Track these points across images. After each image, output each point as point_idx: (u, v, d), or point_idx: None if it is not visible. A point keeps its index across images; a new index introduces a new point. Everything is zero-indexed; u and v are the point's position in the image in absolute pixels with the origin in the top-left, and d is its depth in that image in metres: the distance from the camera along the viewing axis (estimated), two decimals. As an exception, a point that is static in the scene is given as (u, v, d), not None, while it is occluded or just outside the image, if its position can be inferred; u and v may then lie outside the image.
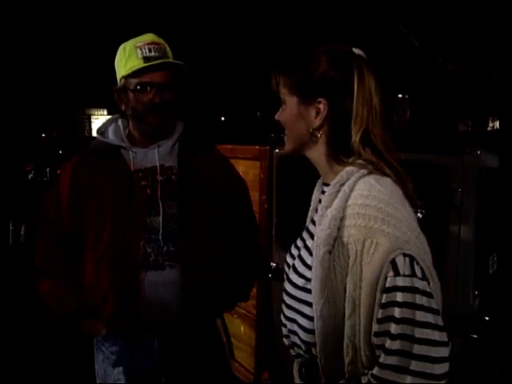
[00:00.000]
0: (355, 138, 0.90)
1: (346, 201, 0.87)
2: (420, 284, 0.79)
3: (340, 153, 0.93)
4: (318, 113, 0.93)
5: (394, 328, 0.78)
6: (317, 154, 0.97)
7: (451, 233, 1.74)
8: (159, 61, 1.38)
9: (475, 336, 1.64)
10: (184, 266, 1.41)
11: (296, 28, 13.62)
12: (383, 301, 0.79)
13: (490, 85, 10.12)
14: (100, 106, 25.95)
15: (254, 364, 2.64)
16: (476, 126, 13.93)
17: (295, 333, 0.94)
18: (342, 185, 0.89)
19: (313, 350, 0.91)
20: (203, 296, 1.44)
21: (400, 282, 0.78)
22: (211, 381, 1.54)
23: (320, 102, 0.92)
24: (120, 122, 1.54)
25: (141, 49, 1.39)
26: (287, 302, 0.97)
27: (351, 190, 0.88)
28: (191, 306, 1.42)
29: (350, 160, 0.92)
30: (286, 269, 1.04)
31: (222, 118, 22.38)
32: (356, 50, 0.95)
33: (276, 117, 1.01)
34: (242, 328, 2.67)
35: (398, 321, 0.78)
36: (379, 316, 0.80)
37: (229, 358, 1.68)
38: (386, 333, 0.79)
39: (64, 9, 18.72)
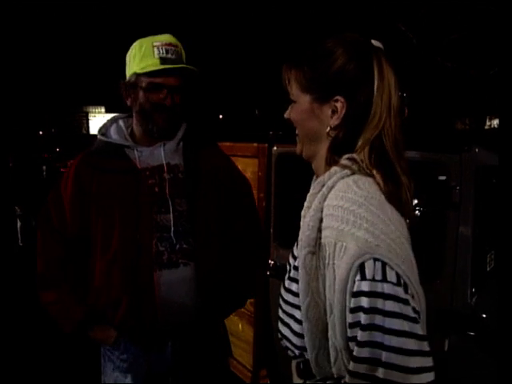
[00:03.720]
0: (366, 137, 0.84)
1: (324, 201, 0.84)
2: (392, 290, 0.74)
3: (339, 152, 0.87)
4: (334, 112, 0.86)
5: (360, 335, 0.74)
6: (324, 150, 0.91)
7: (449, 230, 1.74)
8: (176, 65, 1.36)
9: (472, 333, 1.64)
10: (198, 263, 1.40)
11: (291, 26, 13.60)
12: (351, 305, 0.76)
13: (487, 83, 10.14)
14: (98, 104, 25.88)
15: (252, 361, 2.64)
16: (474, 123, 13.94)
17: (286, 337, 0.92)
18: (323, 185, 0.85)
19: (305, 353, 0.89)
20: (218, 293, 1.43)
21: (366, 286, 0.74)
22: (212, 378, 1.54)
23: (337, 100, 0.85)
24: (121, 122, 1.52)
25: (158, 48, 1.36)
26: (283, 307, 0.94)
27: (329, 191, 0.84)
28: (207, 303, 1.41)
29: (340, 160, 0.86)
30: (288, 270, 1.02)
31: (220, 116, 22.36)
32: (374, 42, 0.88)
33: (286, 115, 0.95)
34: (240, 325, 2.67)
35: (363, 327, 0.73)
36: (349, 320, 0.76)
37: (227, 355, 1.68)
38: (354, 338, 0.75)
39: (63, 8, 18.67)
